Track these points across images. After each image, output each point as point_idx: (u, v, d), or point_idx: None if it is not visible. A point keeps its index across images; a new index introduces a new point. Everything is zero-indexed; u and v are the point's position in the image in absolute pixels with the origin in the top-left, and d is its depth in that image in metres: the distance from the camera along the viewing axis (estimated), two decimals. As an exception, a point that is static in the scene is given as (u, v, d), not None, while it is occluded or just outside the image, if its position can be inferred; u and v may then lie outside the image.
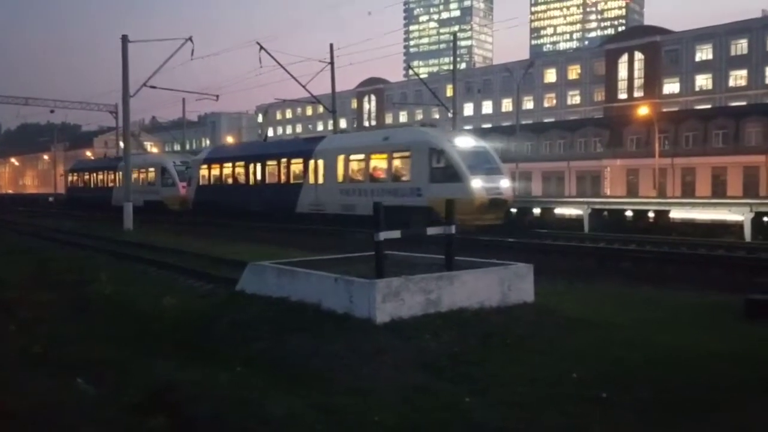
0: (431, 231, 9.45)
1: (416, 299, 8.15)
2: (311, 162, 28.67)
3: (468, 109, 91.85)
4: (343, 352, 7.05)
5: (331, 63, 39.14)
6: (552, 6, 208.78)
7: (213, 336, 8.41)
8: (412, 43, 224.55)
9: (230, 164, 34.89)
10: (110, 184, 46.10)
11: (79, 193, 52.88)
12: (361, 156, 26.30)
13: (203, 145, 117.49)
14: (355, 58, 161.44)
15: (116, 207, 36.83)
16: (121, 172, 38.16)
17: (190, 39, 31.64)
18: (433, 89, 47.78)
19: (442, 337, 7.42)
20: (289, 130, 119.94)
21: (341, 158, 27.14)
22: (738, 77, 70.59)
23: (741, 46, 70.80)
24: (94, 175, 49.69)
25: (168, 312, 10.20)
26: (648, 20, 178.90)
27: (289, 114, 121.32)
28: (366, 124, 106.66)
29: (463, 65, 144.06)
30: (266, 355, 7.31)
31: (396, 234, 8.78)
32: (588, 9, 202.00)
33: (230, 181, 34.78)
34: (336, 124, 42.89)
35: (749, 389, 5.76)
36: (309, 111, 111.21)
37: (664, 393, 5.66)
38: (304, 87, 36.76)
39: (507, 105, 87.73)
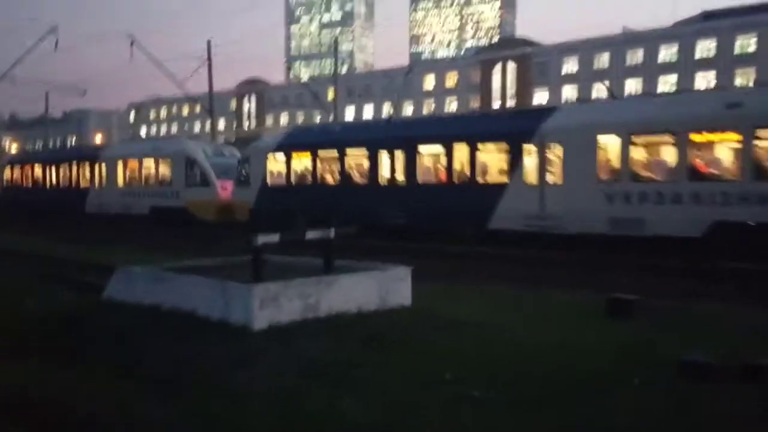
0: (310, 235, 9.38)
1: (295, 304, 8.06)
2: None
3: (349, 113, 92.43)
4: (219, 359, 6.85)
5: (209, 60, 38.14)
6: (431, 14, 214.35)
7: (78, 345, 7.90)
8: (293, 44, 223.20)
9: (336, 151, 22.47)
10: (83, 184, 33.31)
11: (24, 195, 37.88)
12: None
13: (68, 144, 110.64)
14: (235, 57, 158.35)
15: (92, 215, 30.89)
16: (106, 164, 31.46)
17: (55, 29, 29.76)
18: (315, 92, 47.68)
19: (321, 342, 7.38)
20: (163, 129, 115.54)
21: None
22: (601, 90, 75.54)
23: (603, 59, 75.82)
24: (54, 169, 35.73)
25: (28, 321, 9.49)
26: (520, 31, 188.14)
27: (164, 113, 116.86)
28: (246, 125, 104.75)
29: (344, 69, 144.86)
30: (136, 364, 6.96)
31: (275, 238, 8.65)
32: (464, 19, 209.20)
33: (333, 179, 22.69)
34: (214, 124, 41.81)
35: (606, 380, 6.13)
36: (185, 110, 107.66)
37: (532, 388, 5.91)
38: (179, 85, 35.57)
39: (388, 109, 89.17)
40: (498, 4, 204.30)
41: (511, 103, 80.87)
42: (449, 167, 19.45)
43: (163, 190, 28.48)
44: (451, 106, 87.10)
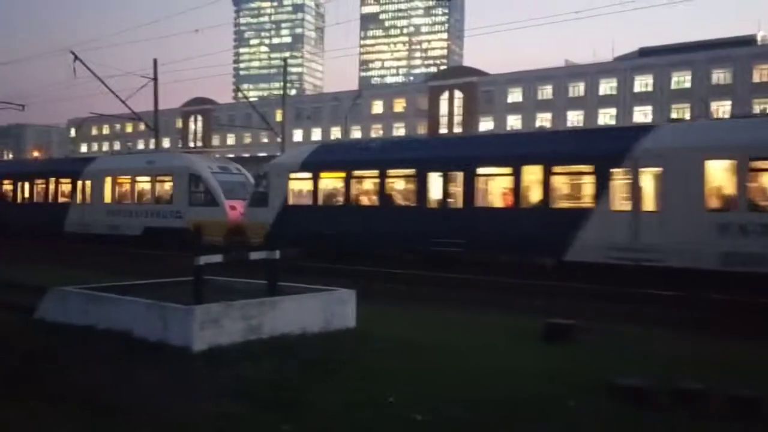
0: (254, 256, 9.29)
1: (237, 326, 7.94)
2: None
3: (297, 135, 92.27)
4: (156, 383, 6.67)
5: (155, 79, 37.60)
6: (380, 41, 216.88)
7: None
8: (242, 65, 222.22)
9: (378, 171, 20.19)
10: (63, 199, 30.19)
11: None
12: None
13: (5, 157, 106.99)
14: (182, 76, 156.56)
15: (71, 234, 28.31)
16: (90, 182, 28.54)
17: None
18: (263, 113, 47.52)
19: (263, 365, 7.27)
20: (105, 146, 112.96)
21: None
22: (544, 119, 77.44)
23: (546, 91, 77.97)
24: (31, 184, 32.01)
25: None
26: (467, 61, 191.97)
27: (106, 130, 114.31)
28: (192, 144, 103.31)
29: (293, 91, 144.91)
30: (66, 389, 6.71)
31: (217, 258, 8.53)
32: (413, 46, 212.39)
33: (370, 200, 20.64)
34: (158, 143, 41.14)
35: (541, 403, 6.23)
36: (129, 128, 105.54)
37: (473, 412, 5.95)
38: (123, 102, 34.92)
39: (336, 133, 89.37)
40: (446, 35, 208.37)
41: (457, 129, 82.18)
42: (517, 190, 17.39)
43: (161, 209, 25.65)
44: (400, 131, 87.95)
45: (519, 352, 8.34)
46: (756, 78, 66.06)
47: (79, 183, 28.81)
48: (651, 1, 68.80)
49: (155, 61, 38.03)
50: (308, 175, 21.40)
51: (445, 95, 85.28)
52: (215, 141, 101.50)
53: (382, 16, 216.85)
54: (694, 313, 11.84)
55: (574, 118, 74.89)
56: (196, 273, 8.24)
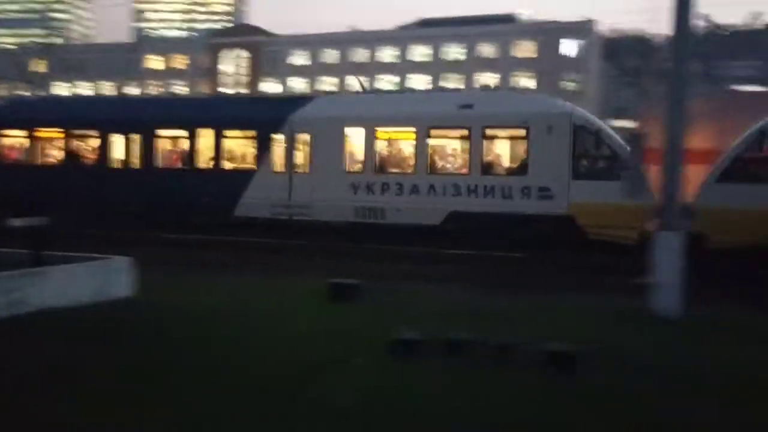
0: (15, 222, 8.41)
1: (-4, 300, 7.16)
2: None
3: (62, 89, 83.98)
4: None
5: None
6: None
7: None
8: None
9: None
10: (233, 165, 18.42)
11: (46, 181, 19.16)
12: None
13: None
14: None
15: (249, 220, 17.49)
16: (308, 136, 17.20)
17: None
18: (20, 62, 42.47)
19: (27, 339, 6.68)
20: None
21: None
22: (329, 83, 78.37)
23: (331, 55, 78.87)
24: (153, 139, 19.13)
25: None
26: (254, 20, 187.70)
27: None
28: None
29: (59, 40, 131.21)
30: None
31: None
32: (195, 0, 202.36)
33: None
34: None
35: (328, 361, 6.48)
36: None
37: (265, 373, 6.03)
38: None
39: (109, 88, 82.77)
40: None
41: (241, 90, 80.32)
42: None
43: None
44: (180, 89, 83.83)
45: (305, 313, 8.52)
46: (516, 53, 72.42)
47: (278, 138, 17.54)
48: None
49: None
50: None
51: (229, 54, 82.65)
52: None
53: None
54: (468, 269, 12.93)
55: (357, 84, 76.61)
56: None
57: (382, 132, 16.63)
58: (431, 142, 16.35)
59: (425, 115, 16.34)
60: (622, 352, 6.90)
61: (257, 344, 7.01)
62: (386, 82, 75.81)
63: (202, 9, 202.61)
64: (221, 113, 19.03)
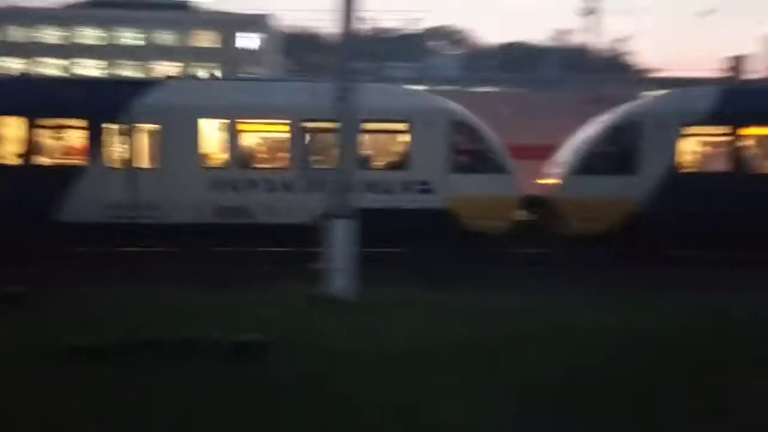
0: None
1: None
2: None
3: None
4: None
5: None
6: None
7: None
8: None
9: None
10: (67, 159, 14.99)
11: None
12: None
13: None
14: None
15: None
16: None
17: None
18: None
19: None
20: None
21: None
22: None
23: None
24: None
25: None
26: None
27: None
28: None
29: None
30: None
31: None
32: None
33: None
34: None
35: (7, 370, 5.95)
36: None
37: None
38: None
39: None
40: None
41: None
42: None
43: None
44: None
45: None
46: (195, 43, 70.93)
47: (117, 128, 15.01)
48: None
49: None
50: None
51: None
52: None
53: None
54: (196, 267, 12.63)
55: (13, 66, 68.02)
56: None
57: (248, 124, 14.96)
58: (306, 135, 14.98)
59: (300, 106, 14.75)
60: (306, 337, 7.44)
61: None
62: (51, 65, 68.65)
63: None
64: (36, 98, 15.24)
